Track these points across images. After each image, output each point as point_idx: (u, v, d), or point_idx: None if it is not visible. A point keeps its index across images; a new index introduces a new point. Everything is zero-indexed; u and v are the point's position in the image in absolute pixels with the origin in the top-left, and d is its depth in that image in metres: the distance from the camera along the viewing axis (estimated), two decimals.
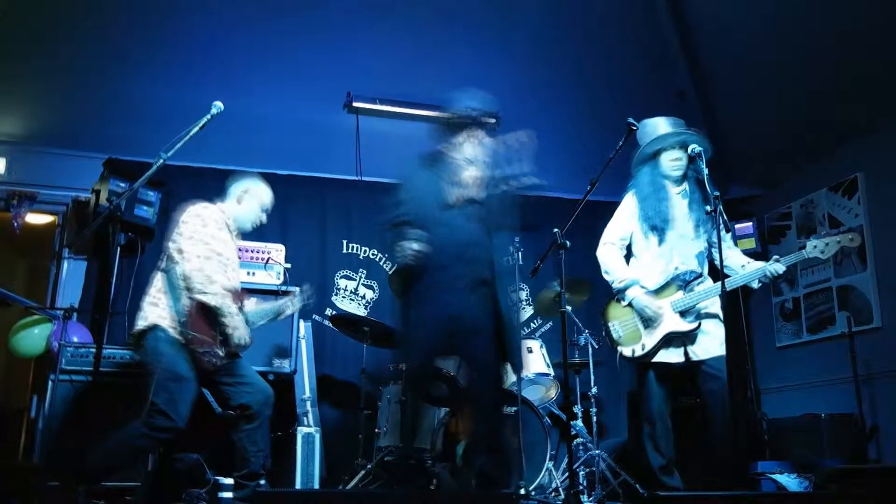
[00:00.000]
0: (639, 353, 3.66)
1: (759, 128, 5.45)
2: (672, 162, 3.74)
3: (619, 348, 3.76)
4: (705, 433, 3.55)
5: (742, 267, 3.68)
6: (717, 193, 3.32)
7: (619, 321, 3.78)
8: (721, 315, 3.60)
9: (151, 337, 3.35)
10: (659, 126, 3.77)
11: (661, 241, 3.70)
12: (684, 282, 3.66)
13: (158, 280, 3.49)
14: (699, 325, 3.59)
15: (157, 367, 3.28)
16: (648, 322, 3.65)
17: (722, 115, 5.45)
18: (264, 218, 3.86)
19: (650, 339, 3.63)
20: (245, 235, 3.92)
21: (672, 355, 3.62)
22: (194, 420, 3.43)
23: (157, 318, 3.37)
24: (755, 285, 3.63)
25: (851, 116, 5.12)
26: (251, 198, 3.79)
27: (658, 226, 3.68)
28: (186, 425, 3.32)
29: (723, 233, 3.36)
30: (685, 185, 3.80)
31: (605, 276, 3.84)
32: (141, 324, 3.41)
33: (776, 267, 3.54)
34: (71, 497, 3.06)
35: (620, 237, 3.85)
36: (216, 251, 3.49)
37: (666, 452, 3.62)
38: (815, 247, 3.50)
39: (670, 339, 3.61)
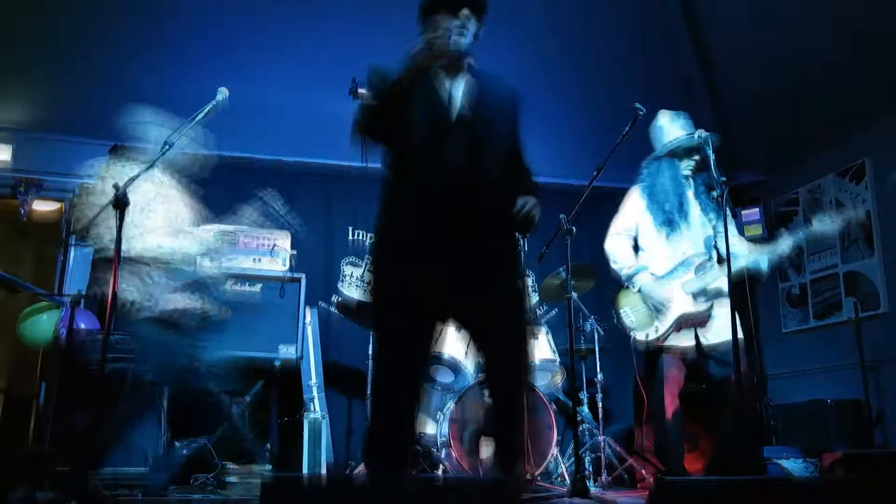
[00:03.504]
0: (652, 336, 3.67)
1: (766, 113, 5.42)
2: (689, 161, 3.75)
3: (633, 333, 3.76)
4: (714, 418, 3.55)
5: (749, 251, 3.67)
6: (724, 179, 3.31)
7: (631, 307, 3.78)
8: (728, 298, 3.58)
9: None
10: (671, 128, 3.77)
11: (670, 232, 3.70)
12: (693, 265, 3.65)
13: None
14: (711, 306, 3.59)
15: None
16: (656, 309, 3.65)
17: (728, 101, 5.42)
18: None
19: (662, 324, 3.64)
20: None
21: (683, 339, 3.63)
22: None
23: None
24: (764, 267, 3.60)
25: (858, 101, 5.09)
26: None
27: (675, 220, 3.68)
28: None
29: (728, 218, 3.36)
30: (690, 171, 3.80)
31: (613, 266, 3.84)
32: None
33: (787, 243, 3.52)
34: (82, 482, 3.08)
35: (627, 228, 3.85)
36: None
37: (674, 438, 3.62)
38: (821, 220, 3.49)
39: (682, 323, 3.61)
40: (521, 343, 2.51)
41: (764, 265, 3.59)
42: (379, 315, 2.53)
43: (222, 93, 3.20)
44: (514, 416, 2.44)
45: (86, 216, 3.30)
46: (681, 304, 3.61)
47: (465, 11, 2.49)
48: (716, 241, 3.77)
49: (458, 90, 2.53)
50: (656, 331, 3.65)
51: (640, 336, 3.73)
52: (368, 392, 4.68)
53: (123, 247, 3.06)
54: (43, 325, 4.65)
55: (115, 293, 2.91)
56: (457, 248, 2.41)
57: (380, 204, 2.56)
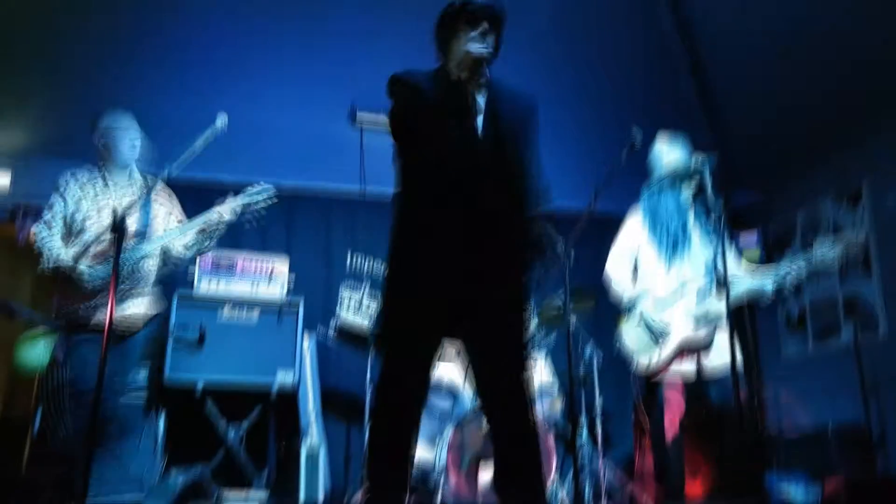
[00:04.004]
0: (654, 364, 3.65)
1: (763, 136, 5.45)
2: (689, 184, 3.78)
3: (634, 360, 3.74)
4: (715, 443, 3.53)
5: (750, 274, 3.68)
6: (722, 201, 3.33)
7: (633, 334, 3.76)
8: (726, 324, 3.58)
9: None
10: (670, 151, 3.80)
11: (672, 256, 3.71)
12: (695, 290, 3.65)
13: None
14: (713, 330, 3.58)
15: None
16: (656, 336, 3.64)
17: (725, 123, 5.45)
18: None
19: (664, 349, 3.62)
20: (249, 246, 3.90)
21: (686, 365, 3.61)
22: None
23: None
24: (769, 288, 3.61)
25: (855, 123, 5.12)
26: None
27: (677, 244, 3.69)
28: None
29: (728, 241, 3.37)
30: (690, 195, 3.82)
31: (615, 291, 3.84)
32: None
33: (789, 268, 3.53)
34: None
35: (628, 252, 3.85)
36: None
37: (675, 463, 3.60)
38: (822, 245, 3.51)
39: (684, 348, 3.60)
40: (522, 358, 2.50)
41: (768, 288, 3.59)
42: (390, 324, 2.51)
43: (221, 118, 3.20)
44: (521, 437, 2.42)
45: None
46: (682, 329, 3.60)
47: (485, 25, 2.52)
48: (716, 265, 3.77)
49: (477, 102, 2.57)
50: (658, 356, 3.64)
51: (642, 361, 3.71)
52: (367, 418, 4.64)
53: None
54: (39, 349, 4.63)
55: (111, 313, 2.89)
56: (472, 258, 2.43)
57: (395, 217, 2.56)
